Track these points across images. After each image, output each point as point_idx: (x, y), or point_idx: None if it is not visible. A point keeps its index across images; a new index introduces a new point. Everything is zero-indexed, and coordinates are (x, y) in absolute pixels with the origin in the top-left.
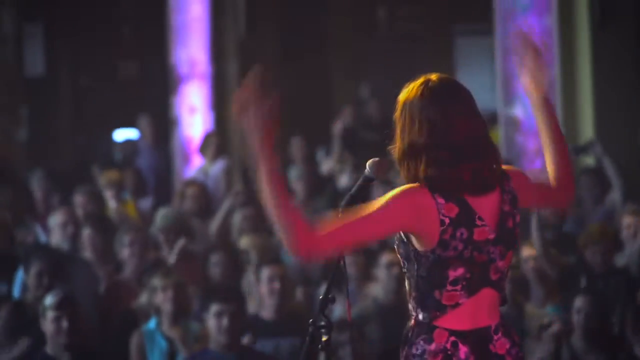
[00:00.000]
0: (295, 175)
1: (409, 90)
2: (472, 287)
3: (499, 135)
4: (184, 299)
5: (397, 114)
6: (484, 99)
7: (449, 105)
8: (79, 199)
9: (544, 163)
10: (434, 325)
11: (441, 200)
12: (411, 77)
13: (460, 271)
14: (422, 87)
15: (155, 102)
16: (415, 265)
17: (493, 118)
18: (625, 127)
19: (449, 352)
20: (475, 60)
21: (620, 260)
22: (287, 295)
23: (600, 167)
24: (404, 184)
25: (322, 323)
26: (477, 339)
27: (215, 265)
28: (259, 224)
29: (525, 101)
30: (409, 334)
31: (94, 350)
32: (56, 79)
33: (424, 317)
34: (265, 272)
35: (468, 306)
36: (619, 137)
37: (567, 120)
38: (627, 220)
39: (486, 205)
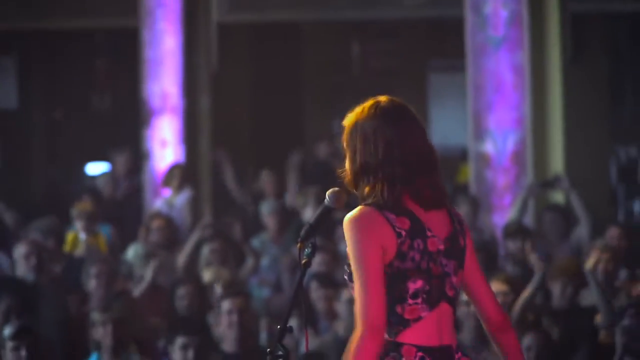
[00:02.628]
0: (267, 209)
1: (357, 113)
2: (432, 300)
3: (469, 171)
4: (123, 333)
5: (346, 137)
6: (455, 134)
7: (401, 124)
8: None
9: (513, 199)
10: (401, 342)
11: (392, 216)
12: None
13: (419, 283)
14: (373, 108)
15: (127, 135)
16: None
17: (464, 153)
18: (595, 162)
19: None
20: (448, 96)
21: (587, 298)
22: (250, 328)
23: (566, 202)
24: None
25: (280, 353)
26: (443, 356)
27: (182, 299)
28: (226, 257)
29: (495, 137)
30: None
31: None
32: (29, 112)
33: (388, 335)
34: (225, 305)
35: (430, 321)
36: (589, 172)
37: (537, 155)
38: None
39: (435, 219)
